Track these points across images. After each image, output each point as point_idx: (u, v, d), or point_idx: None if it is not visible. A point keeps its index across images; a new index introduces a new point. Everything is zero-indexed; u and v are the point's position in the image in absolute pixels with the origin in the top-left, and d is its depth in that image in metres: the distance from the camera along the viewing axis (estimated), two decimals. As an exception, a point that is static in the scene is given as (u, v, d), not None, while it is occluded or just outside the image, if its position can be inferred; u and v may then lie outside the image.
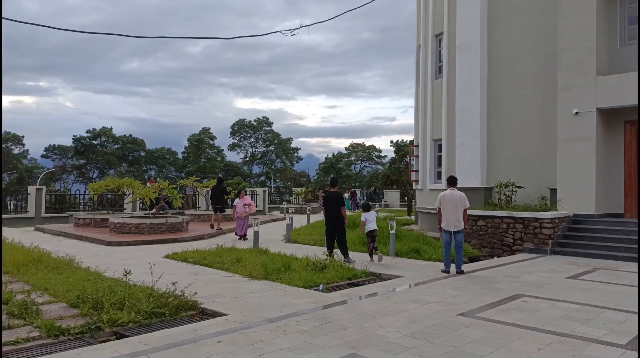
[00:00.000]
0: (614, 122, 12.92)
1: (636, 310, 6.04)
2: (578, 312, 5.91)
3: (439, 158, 17.05)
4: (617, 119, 12.87)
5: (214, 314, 5.86)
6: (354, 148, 70.69)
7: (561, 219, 12.01)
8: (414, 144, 19.17)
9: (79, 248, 12.23)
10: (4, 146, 59.26)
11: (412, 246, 11.45)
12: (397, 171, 50.71)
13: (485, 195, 14.79)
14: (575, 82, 12.69)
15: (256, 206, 22.06)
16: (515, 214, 12.07)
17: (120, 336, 5.10)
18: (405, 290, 7.31)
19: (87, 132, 63.79)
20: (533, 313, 5.84)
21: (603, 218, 12.34)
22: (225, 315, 5.71)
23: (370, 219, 10.36)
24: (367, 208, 10.88)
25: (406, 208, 29.54)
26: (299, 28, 10.55)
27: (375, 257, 10.02)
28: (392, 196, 41.93)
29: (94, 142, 63.90)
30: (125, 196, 20.32)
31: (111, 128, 65.12)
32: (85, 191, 23.30)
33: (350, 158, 70.27)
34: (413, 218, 21.20)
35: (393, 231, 11.10)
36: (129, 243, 13.24)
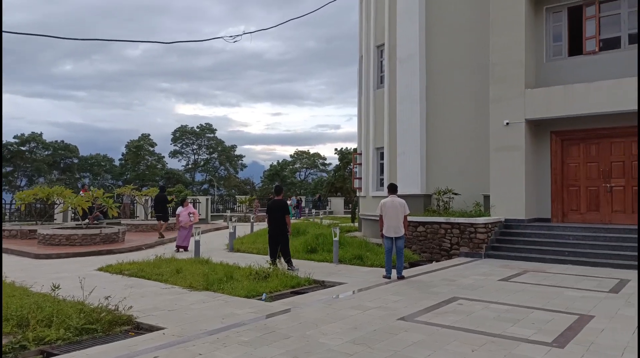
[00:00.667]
0: (541, 132, 13.79)
1: (561, 310, 6.43)
2: (509, 313, 6.22)
3: (382, 165, 17.45)
4: (544, 129, 13.75)
5: (151, 328, 5.64)
6: (298, 156, 70.89)
7: (494, 224, 12.62)
8: (358, 152, 19.51)
9: (3, 261, 11.36)
10: None
11: (355, 252, 11.60)
12: (342, 179, 51.34)
13: (425, 202, 15.29)
14: (506, 94, 13.43)
15: (199, 214, 21.52)
16: (452, 220, 12.55)
17: (47, 355, 4.79)
18: (348, 297, 7.38)
19: (14, 138, 59.78)
20: (468, 316, 6.08)
21: (532, 222, 13.10)
22: (162, 328, 5.51)
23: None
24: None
25: (350, 215, 29.92)
26: (241, 35, 10.47)
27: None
28: (337, 203, 42.36)
29: (22, 148, 59.96)
30: (55, 206, 19.20)
31: (41, 134, 61.41)
32: (11, 201, 21.82)
33: (295, 166, 70.40)
34: (357, 224, 21.51)
35: (336, 238, 11.20)
36: (59, 256, 12.50)
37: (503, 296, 7.33)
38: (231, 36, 9.70)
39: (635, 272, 9.50)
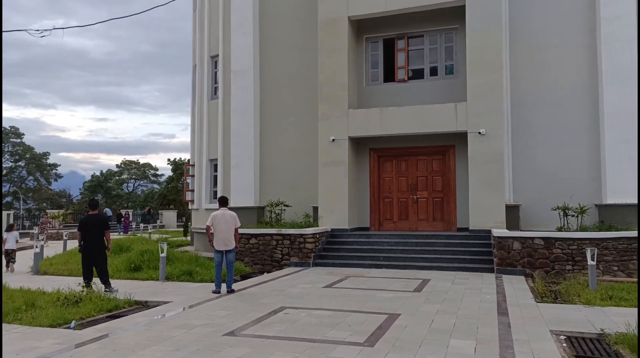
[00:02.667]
0: (362, 149, 15.15)
1: (373, 311, 7.07)
2: (330, 318, 6.61)
3: (215, 177, 17.17)
4: (364, 146, 15.13)
5: None
6: (126, 166, 65.62)
7: (321, 234, 13.38)
8: (191, 163, 18.88)
9: None
10: None
11: (185, 268, 11.12)
12: (175, 191, 49.09)
13: (258, 214, 15.49)
14: (332, 113, 14.45)
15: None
16: (284, 231, 12.94)
17: None
18: (173, 316, 7.00)
19: None
20: (293, 324, 6.28)
21: (354, 231, 14.24)
22: None
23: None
24: (8, 229, 13.03)
25: (183, 229, 28.69)
26: (50, 30, 9.23)
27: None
28: (169, 217, 40.31)
29: None
30: None
31: None
32: None
33: (123, 176, 64.98)
34: (189, 238, 20.73)
35: (164, 255, 10.60)
36: None
37: (326, 302, 7.77)
38: (38, 30, 8.49)
39: (436, 272, 11.00)
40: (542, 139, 13.56)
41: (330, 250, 13.25)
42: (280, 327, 6.14)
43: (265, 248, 12.97)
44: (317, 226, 13.81)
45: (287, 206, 14.92)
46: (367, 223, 14.89)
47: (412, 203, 14.74)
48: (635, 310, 7.06)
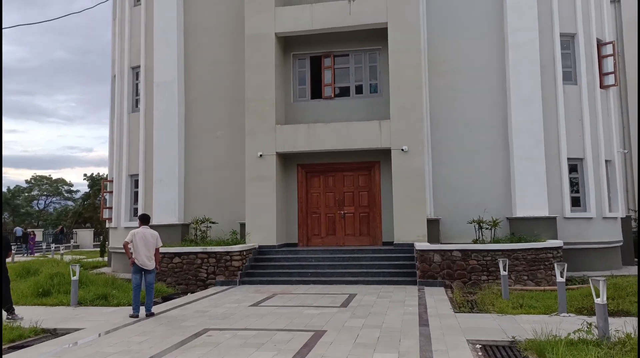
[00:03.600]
0: (290, 164, 15.16)
1: (300, 328, 7.01)
2: (255, 338, 6.45)
3: (136, 194, 16.35)
4: (292, 162, 15.16)
5: None
6: (37, 181, 60.80)
7: (248, 251, 13.14)
8: (109, 179, 17.86)
9: None
10: None
11: (100, 291, 10.40)
12: (92, 208, 46.16)
13: (182, 231, 14.94)
14: (260, 128, 14.35)
15: None
16: (209, 249, 12.56)
17: None
18: (84, 344, 6.49)
19: None
20: (216, 347, 6.05)
21: (282, 247, 14.14)
22: None
23: None
24: None
25: (100, 249, 26.99)
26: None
27: None
28: (84, 236, 37.89)
29: None
30: None
31: None
32: None
33: (33, 193, 60.09)
34: (107, 259, 19.51)
35: (76, 278, 9.84)
36: None
37: (252, 321, 7.59)
38: None
39: (362, 287, 11.17)
40: (458, 156, 14.35)
41: (258, 267, 13.04)
42: (202, 350, 5.89)
43: (190, 267, 12.50)
44: (245, 243, 13.56)
45: (213, 223, 14.54)
46: (296, 239, 14.86)
47: (339, 218, 14.93)
48: (542, 316, 7.60)
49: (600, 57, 14.72)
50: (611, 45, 14.89)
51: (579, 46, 14.27)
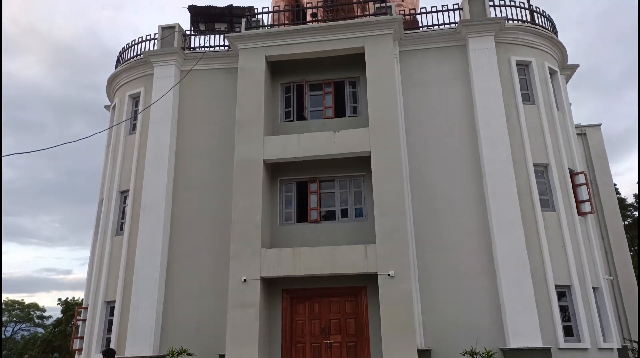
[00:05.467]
0: (274, 290, 14.71)
1: None
2: None
3: (110, 322, 15.47)
4: (276, 287, 14.73)
5: None
6: (8, 306, 57.61)
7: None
8: (83, 306, 17.00)
9: None
10: None
11: None
12: (62, 335, 43.17)
13: (155, 364, 13.88)
14: (245, 252, 14.19)
15: None
16: (183, 384, 11.56)
17: None
18: None
19: None
20: None
21: (263, 382, 13.06)
22: None
23: None
24: None
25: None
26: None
27: None
28: (50, 368, 34.83)
29: None
30: None
31: None
32: None
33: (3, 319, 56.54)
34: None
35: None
36: None
37: None
38: None
39: None
40: (447, 281, 14.12)
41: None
42: None
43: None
44: (223, 377, 12.55)
45: (190, 354, 13.63)
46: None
47: (325, 348, 14.11)
48: None
49: (574, 186, 15.38)
50: (583, 175, 15.68)
51: (552, 175, 14.97)
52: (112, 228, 16.55)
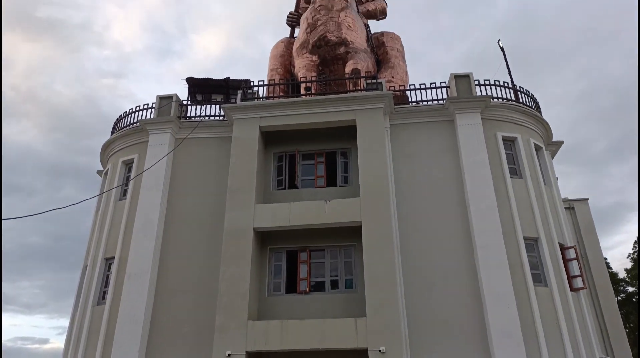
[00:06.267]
0: (259, 365, 14.01)
1: None
2: None
3: (83, 398, 14.50)
4: (262, 362, 14.04)
5: None
6: (-24, 378, 53.94)
7: None
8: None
9: None
10: None
11: None
12: (30, 412, 40.19)
13: None
14: (230, 324, 13.67)
15: None
16: None
17: None
18: None
19: None
20: None
21: None
22: None
23: None
24: None
25: None
26: None
27: None
28: None
29: None
30: None
31: None
32: None
33: (-34, 393, 52.67)
34: None
35: None
36: None
37: None
38: None
39: None
40: (440, 359, 13.56)
41: None
42: None
43: None
44: None
45: None
46: None
47: None
48: None
49: (565, 261, 15.29)
50: (573, 249, 15.66)
51: (543, 249, 14.90)
52: (94, 297, 15.94)
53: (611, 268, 31.49)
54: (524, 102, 17.54)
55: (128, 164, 17.96)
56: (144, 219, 16.11)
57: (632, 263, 32.58)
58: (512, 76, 19.10)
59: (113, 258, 16.10)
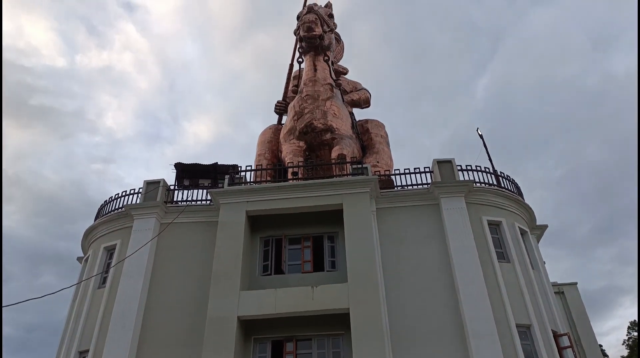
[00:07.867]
0: None
1: None
2: None
3: None
4: None
5: None
6: None
7: None
8: None
9: None
10: None
11: None
12: None
13: None
14: None
15: None
16: None
17: None
18: None
19: None
20: None
21: None
22: None
23: None
24: None
25: None
26: None
27: None
28: None
29: None
30: None
31: None
32: None
33: None
34: None
35: None
36: None
37: None
38: None
39: None
40: None
41: None
42: None
43: None
44: None
45: None
46: None
47: None
48: None
49: (560, 349, 14.76)
50: (567, 336, 15.20)
51: (536, 337, 14.39)
52: (63, 396, 14.73)
53: (607, 356, 30.48)
54: (506, 187, 17.93)
55: (110, 251, 17.46)
56: (122, 308, 15.33)
57: (628, 351, 31.66)
58: (493, 162, 19.75)
59: (87, 351, 15.09)
